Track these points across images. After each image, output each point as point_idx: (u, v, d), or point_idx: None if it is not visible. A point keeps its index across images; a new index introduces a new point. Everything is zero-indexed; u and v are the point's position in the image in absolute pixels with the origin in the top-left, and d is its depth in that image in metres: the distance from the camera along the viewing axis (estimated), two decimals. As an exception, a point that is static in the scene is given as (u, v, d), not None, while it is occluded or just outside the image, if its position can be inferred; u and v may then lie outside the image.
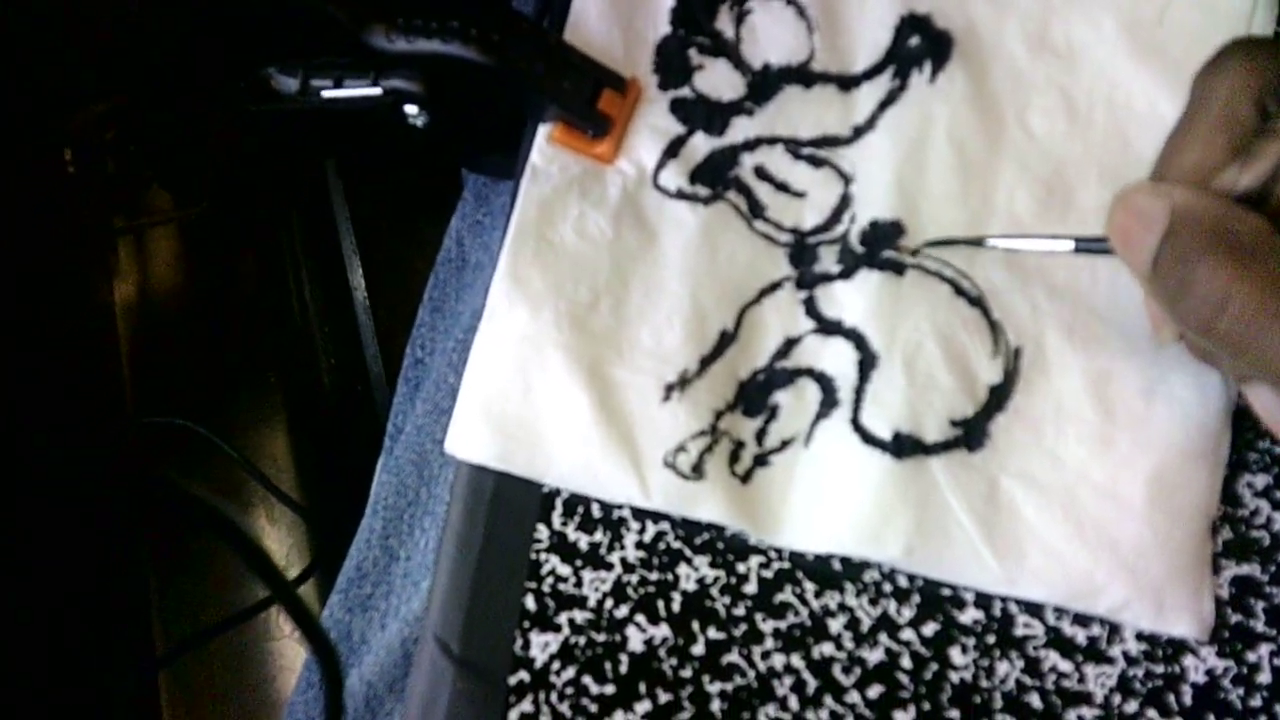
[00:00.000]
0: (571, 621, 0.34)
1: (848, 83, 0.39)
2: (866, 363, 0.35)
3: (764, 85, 0.39)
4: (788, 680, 0.34)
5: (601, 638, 0.34)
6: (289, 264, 0.92)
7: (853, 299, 0.36)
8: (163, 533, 0.78)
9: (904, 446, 0.34)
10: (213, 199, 0.87)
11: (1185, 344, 0.33)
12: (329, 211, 0.99)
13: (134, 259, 0.87)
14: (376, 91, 0.38)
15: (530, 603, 0.34)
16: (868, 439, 0.34)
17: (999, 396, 0.35)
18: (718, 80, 0.39)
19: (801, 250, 0.37)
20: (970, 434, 0.35)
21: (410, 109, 0.38)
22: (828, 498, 0.34)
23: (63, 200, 0.78)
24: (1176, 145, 0.29)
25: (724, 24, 0.39)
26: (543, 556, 0.34)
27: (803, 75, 0.39)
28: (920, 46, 0.38)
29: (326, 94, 0.40)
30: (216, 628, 0.74)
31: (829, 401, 0.35)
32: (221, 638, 0.75)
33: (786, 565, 0.35)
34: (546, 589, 0.34)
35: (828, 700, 0.33)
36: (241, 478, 0.80)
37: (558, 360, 0.35)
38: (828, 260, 0.37)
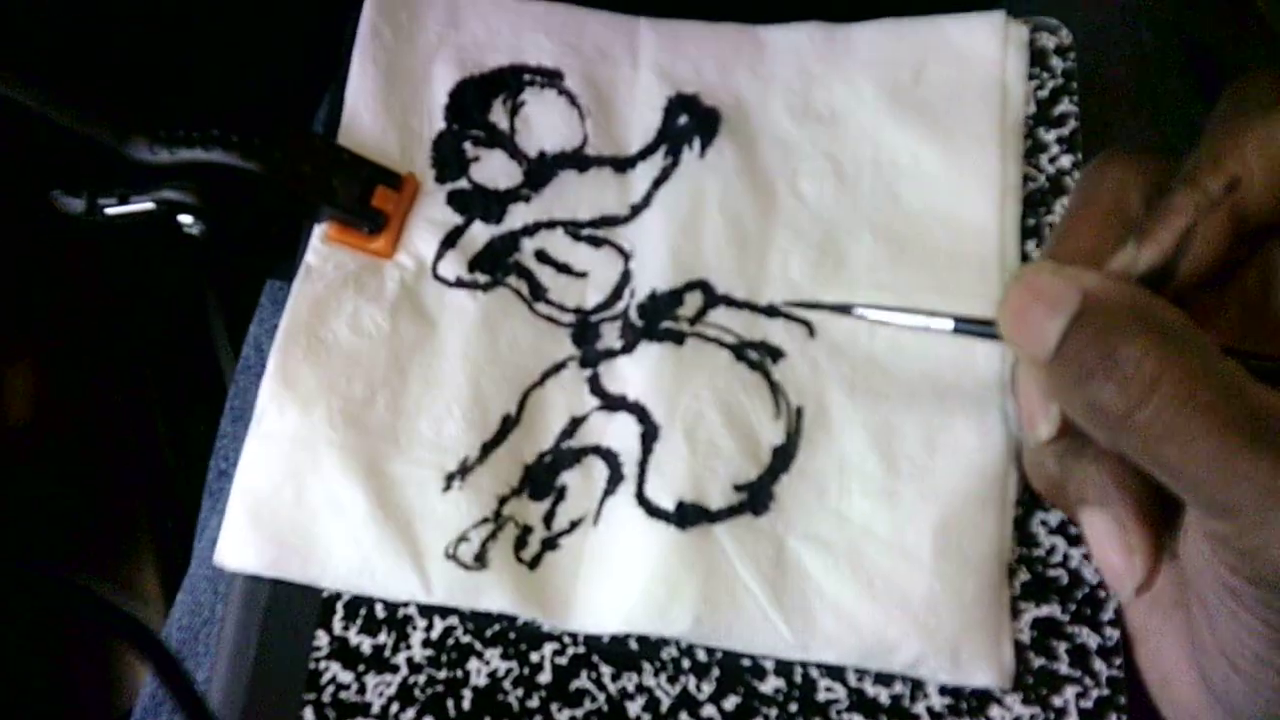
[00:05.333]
0: (354, 731, 0.32)
1: (622, 164, 0.39)
2: (649, 435, 0.35)
3: (540, 172, 0.39)
4: (585, 771, 0.32)
5: (386, 745, 0.32)
6: (161, 391, 0.91)
7: (634, 372, 0.36)
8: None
9: (688, 515, 0.34)
10: (70, 335, 0.86)
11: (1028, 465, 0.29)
12: (207, 338, 0.98)
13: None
14: (150, 205, 0.38)
15: (309, 716, 0.32)
16: (652, 511, 0.34)
17: (782, 457, 0.35)
18: (494, 170, 0.39)
19: (584, 329, 0.37)
20: (755, 497, 0.34)
21: (185, 219, 0.38)
22: (616, 576, 0.34)
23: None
24: (1067, 233, 0.28)
25: (498, 116, 0.40)
26: (322, 664, 0.33)
27: (578, 160, 0.39)
28: (689, 124, 0.39)
29: (110, 211, 0.40)
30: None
31: (615, 478, 0.35)
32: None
33: (582, 650, 0.34)
34: (327, 699, 0.33)
35: (627, 789, 0.32)
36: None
37: (331, 459, 0.34)
38: (610, 337, 0.37)
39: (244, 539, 0.33)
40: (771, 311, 0.37)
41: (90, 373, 0.87)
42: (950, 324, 0.29)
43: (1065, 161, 0.38)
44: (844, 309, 0.31)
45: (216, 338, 1.01)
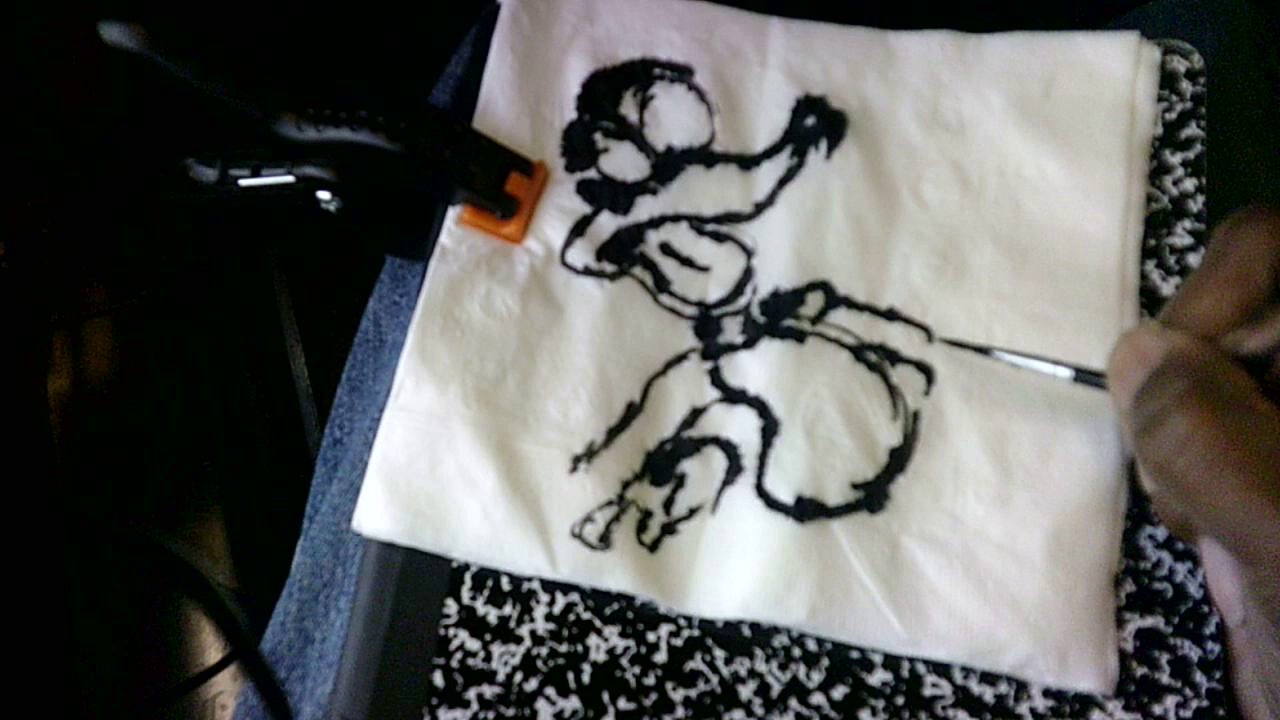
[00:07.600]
0: (480, 697, 0.34)
1: (748, 162, 0.40)
2: (769, 429, 0.36)
3: (667, 166, 0.40)
4: (698, 749, 0.33)
5: (511, 712, 0.34)
6: (227, 353, 0.92)
7: (755, 368, 0.37)
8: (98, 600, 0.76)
9: (806, 510, 0.35)
10: (149, 291, 0.88)
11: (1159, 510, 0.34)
12: (271, 300, 1.00)
13: (68, 352, 0.87)
14: (290, 179, 0.39)
15: (439, 679, 0.34)
16: (771, 504, 0.35)
17: (899, 458, 0.36)
18: (623, 162, 0.40)
19: (706, 322, 0.38)
20: (871, 496, 0.35)
21: (323, 195, 0.39)
22: (734, 563, 0.35)
23: (-4, 295, 0.78)
24: (1189, 293, 0.30)
25: (628, 109, 0.41)
26: (451, 631, 0.34)
27: (704, 156, 0.40)
28: (816, 126, 0.40)
29: (244, 183, 0.41)
30: (163, 696, 0.71)
31: (734, 468, 0.36)
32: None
33: (696, 633, 0.35)
34: (455, 664, 0.34)
35: (739, 768, 0.33)
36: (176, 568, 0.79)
37: (464, 435, 0.35)
38: (731, 331, 0.38)
39: (381, 508, 0.35)
40: (891, 315, 0.38)
41: (165, 332, 0.89)
42: (1070, 373, 0.33)
43: (1189, 185, 0.39)
44: (984, 350, 0.36)
45: (279, 301, 1.03)
